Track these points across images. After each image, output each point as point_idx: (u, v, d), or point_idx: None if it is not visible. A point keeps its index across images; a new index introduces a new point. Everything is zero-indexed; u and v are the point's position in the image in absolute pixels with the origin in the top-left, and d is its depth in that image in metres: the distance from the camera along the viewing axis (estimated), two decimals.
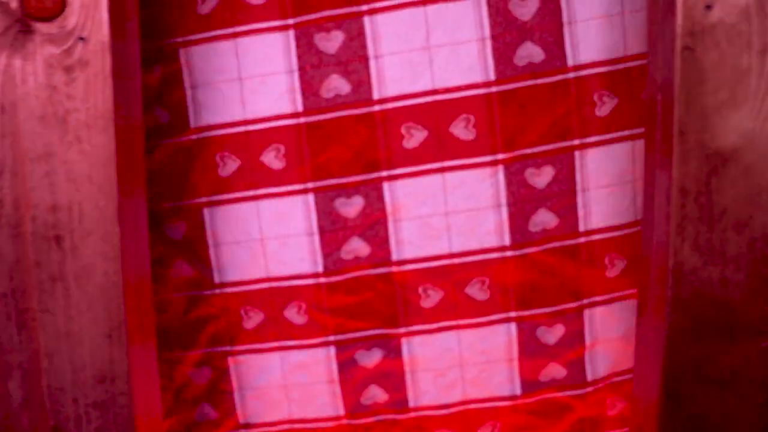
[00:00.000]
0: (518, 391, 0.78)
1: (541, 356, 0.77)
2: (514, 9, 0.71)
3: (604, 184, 0.74)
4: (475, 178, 0.73)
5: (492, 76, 0.72)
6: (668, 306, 0.54)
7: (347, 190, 0.74)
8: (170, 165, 0.75)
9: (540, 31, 0.71)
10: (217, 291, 0.76)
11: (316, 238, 0.75)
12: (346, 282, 0.76)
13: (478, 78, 0.72)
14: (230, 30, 0.72)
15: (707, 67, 0.52)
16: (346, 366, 0.78)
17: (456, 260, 0.75)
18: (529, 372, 0.77)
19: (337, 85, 0.73)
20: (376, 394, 0.79)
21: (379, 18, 0.71)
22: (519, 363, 0.77)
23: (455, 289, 0.76)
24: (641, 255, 0.57)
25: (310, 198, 0.74)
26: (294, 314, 0.77)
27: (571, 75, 0.72)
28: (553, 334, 0.77)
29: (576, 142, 0.73)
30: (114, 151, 0.58)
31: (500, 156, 0.73)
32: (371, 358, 0.78)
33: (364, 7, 0.71)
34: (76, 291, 0.60)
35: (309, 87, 0.73)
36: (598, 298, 0.76)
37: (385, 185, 0.74)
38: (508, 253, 0.74)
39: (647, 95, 0.54)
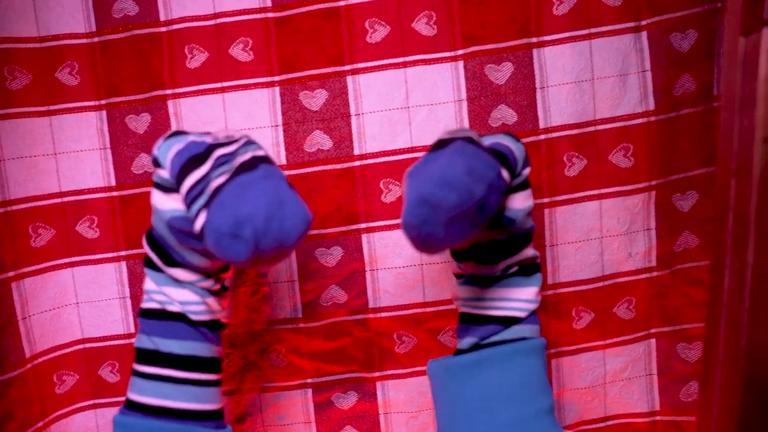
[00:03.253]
0: None
1: None
2: (490, 73, 0.75)
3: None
4: None
5: None
6: (741, 386, 0.53)
7: (327, 241, 0.77)
8: None
9: (514, 95, 0.75)
10: None
11: (296, 285, 0.78)
12: (324, 327, 0.79)
13: None
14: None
15: None
16: (323, 407, 0.81)
17: (429, 309, 0.78)
18: None
19: (319, 140, 0.76)
20: None
21: (361, 78, 0.75)
22: None
23: (428, 336, 0.79)
24: (705, 332, 0.58)
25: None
26: (274, 358, 0.80)
27: (542, 137, 0.75)
28: None
29: (546, 200, 0.77)
30: None
31: None
32: (347, 400, 0.81)
33: (347, 67, 0.75)
34: None
35: (293, 142, 0.76)
36: (564, 348, 0.80)
37: (364, 237, 0.77)
38: None
39: (718, 179, 0.55)
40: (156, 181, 0.58)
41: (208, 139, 0.57)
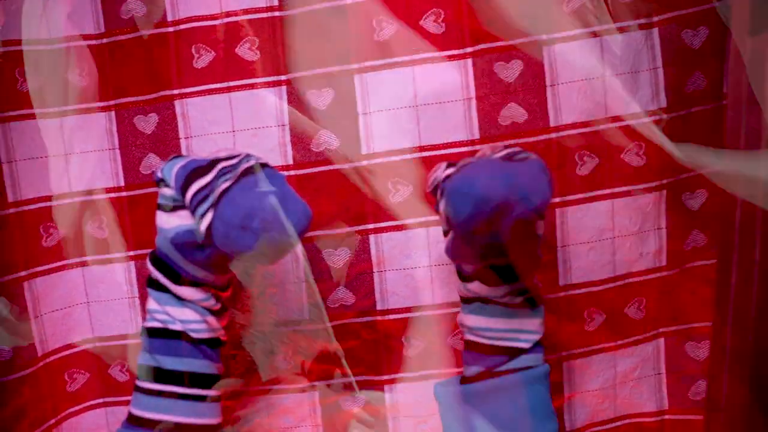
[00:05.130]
0: None
1: None
2: (499, 71, 0.74)
3: None
4: None
5: (477, 135, 0.74)
6: (747, 383, 0.54)
7: (334, 241, 0.77)
8: None
9: (524, 93, 0.74)
10: None
11: (303, 286, 0.77)
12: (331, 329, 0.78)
13: (463, 137, 0.74)
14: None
15: None
16: (330, 410, 0.80)
17: (439, 311, 0.77)
18: None
19: (326, 139, 0.75)
20: None
21: (369, 76, 0.74)
22: None
23: (438, 339, 0.78)
24: (712, 329, 0.58)
25: (299, 248, 0.77)
26: (280, 360, 0.79)
27: (553, 135, 0.74)
28: None
29: (557, 200, 0.75)
30: None
31: None
32: (355, 403, 0.80)
33: (355, 66, 0.74)
34: None
35: (299, 141, 0.75)
36: (576, 351, 0.78)
37: (372, 238, 0.76)
38: None
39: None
40: (159, 202, 0.61)
41: (210, 156, 0.61)
